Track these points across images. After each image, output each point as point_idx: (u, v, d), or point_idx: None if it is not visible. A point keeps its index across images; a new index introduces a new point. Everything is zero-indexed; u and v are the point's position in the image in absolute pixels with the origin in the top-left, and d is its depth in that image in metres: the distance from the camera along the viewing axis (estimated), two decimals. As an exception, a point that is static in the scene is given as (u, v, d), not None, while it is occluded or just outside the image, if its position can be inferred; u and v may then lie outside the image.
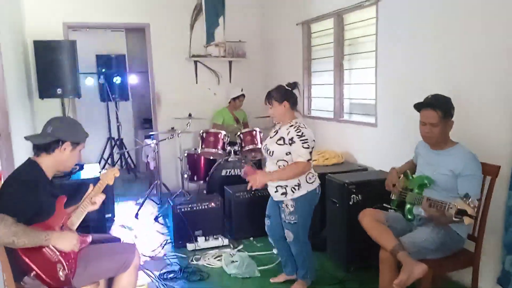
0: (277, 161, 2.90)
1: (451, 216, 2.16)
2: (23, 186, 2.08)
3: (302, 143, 2.80)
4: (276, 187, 2.93)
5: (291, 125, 2.89)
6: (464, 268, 2.67)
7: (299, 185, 2.88)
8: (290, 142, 2.83)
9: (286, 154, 2.86)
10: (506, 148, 2.63)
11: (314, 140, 2.88)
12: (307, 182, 2.91)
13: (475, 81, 2.87)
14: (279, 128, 3.00)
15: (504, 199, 2.63)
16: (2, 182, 2.18)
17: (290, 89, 2.96)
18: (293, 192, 2.88)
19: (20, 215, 1.98)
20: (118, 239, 2.74)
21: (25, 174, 2.16)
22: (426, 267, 2.32)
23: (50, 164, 2.24)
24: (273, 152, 2.89)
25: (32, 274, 2.01)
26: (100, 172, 2.47)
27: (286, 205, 2.93)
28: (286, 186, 2.88)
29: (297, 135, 2.82)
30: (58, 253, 2.11)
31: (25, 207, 2.03)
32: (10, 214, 1.94)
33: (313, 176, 2.96)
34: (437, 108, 2.45)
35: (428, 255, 2.45)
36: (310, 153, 2.83)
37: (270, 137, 3.02)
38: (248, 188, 2.87)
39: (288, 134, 2.86)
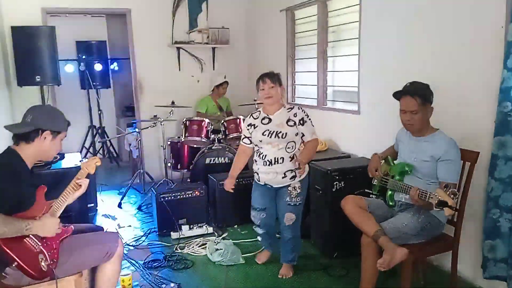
0: (288, 143, 2.94)
1: (432, 205, 2.20)
2: (3, 176, 2.03)
3: (311, 122, 3.01)
4: (284, 173, 2.96)
5: (291, 108, 3.02)
6: (444, 253, 2.73)
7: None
8: (302, 122, 2.96)
9: (296, 134, 2.96)
10: (487, 135, 2.67)
11: None
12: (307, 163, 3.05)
13: (458, 69, 2.90)
14: (271, 114, 3.01)
15: (484, 186, 2.69)
16: None
17: None
18: (300, 174, 2.99)
19: (0, 206, 1.94)
20: (101, 228, 2.71)
21: (5, 164, 2.10)
22: (407, 251, 2.37)
23: (30, 153, 2.18)
24: (286, 134, 2.93)
25: (13, 265, 1.98)
26: (81, 161, 2.43)
27: (294, 187, 3.00)
28: (296, 169, 2.96)
29: (306, 115, 2.99)
30: (40, 244, 2.08)
31: (5, 197, 1.99)
32: None
33: None
34: (416, 95, 2.47)
35: (409, 240, 2.49)
36: None
37: (262, 123, 3.01)
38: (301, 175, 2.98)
39: (295, 116, 2.97)
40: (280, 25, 5.21)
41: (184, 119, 4.86)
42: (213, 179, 4.21)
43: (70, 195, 2.31)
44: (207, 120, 4.81)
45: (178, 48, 5.84)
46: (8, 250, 1.96)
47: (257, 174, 3.08)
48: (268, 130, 2.96)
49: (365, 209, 2.66)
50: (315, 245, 3.60)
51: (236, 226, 4.12)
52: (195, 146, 4.95)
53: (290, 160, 2.95)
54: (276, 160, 2.95)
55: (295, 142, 2.95)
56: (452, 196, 2.13)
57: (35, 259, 2.04)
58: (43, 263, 2.05)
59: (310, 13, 4.70)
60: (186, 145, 5.03)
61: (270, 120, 3.00)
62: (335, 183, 3.30)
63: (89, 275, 2.60)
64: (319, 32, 4.52)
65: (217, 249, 3.49)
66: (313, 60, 4.69)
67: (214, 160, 4.66)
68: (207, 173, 4.44)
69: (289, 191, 3.00)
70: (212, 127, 4.84)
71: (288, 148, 2.94)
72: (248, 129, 3.10)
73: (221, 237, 3.84)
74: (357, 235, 2.61)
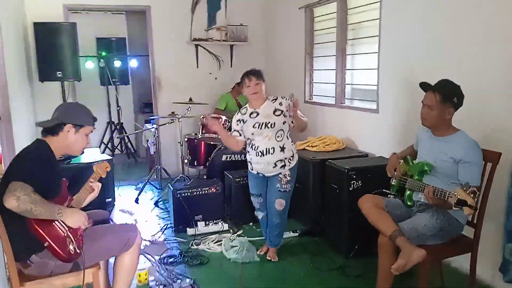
0: (277, 131, 3.16)
1: (451, 205, 2.16)
2: (39, 162, 2.13)
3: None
4: (275, 162, 3.17)
5: (275, 99, 3.22)
6: (462, 254, 2.67)
7: (293, 156, 3.24)
8: (288, 110, 3.09)
9: (283, 123, 3.17)
10: (509, 135, 2.61)
11: None
12: (295, 152, 3.29)
13: (482, 67, 2.84)
14: (258, 109, 3.20)
15: (505, 186, 2.63)
16: (13, 160, 2.22)
17: None
18: (290, 163, 3.21)
19: (35, 187, 2.00)
20: (107, 214, 2.80)
21: (40, 152, 2.20)
22: (425, 252, 2.33)
23: (57, 146, 2.27)
24: (274, 123, 3.14)
25: (45, 244, 2.05)
26: (93, 163, 2.51)
27: (284, 175, 3.20)
28: (285, 158, 3.19)
29: (291, 100, 3.05)
30: (66, 228, 2.14)
31: (41, 180, 2.07)
32: (28, 183, 1.97)
33: (295, 147, 3.36)
34: (437, 91, 2.43)
35: (427, 241, 2.45)
36: None
37: (250, 118, 3.20)
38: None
39: (280, 105, 3.18)
40: (298, 22, 5.18)
41: (202, 116, 4.88)
42: (229, 176, 4.21)
43: (86, 195, 2.39)
44: (224, 117, 4.82)
45: (197, 45, 5.87)
46: (41, 231, 2.03)
47: (250, 163, 3.32)
48: (258, 122, 3.18)
49: (382, 209, 2.63)
50: (330, 244, 3.58)
51: (251, 223, 4.12)
52: (211, 143, 4.97)
53: (280, 151, 3.16)
54: (268, 150, 3.16)
55: (283, 130, 3.18)
56: (472, 195, 2.09)
57: (64, 241, 2.11)
58: (71, 246, 2.12)
59: (329, 11, 4.66)
60: (203, 142, 5.05)
61: (257, 113, 3.20)
62: (352, 182, 3.27)
63: (105, 268, 2.65)
64: (338, 29, 4.48)
65: (232, 246, 3.50)
66: (331, 58, 4.65)
67: (230, 157, 4.67)
68: (223, 170, 4.45)
69: (279, 178, 3.20)
70: (229, 124, 4.84)
71: (278, 137, 3.16)
72: (237, 124, 3.31)
73: (236, 234, 3.85)
74: (374, 234, 2.58)
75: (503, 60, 2.68)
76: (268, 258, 3.38)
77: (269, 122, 3.14)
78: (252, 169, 3.32)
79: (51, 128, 2.26)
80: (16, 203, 1.91)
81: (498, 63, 2.72)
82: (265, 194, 3.33)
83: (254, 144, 3.22)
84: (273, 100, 3.22)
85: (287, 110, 3.08)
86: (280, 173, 3.19)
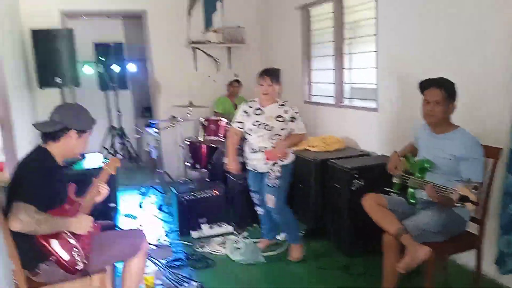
0: (274, 135, 3.21)
1: (453, 201, 2.17)
2: (40, 175, 2.10)
3: (301, 119, 3.26)
4: (266, 160, 3.21)
5: (282, 105, 3.25)
6: (467, 251, 2.69)
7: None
8: (292, 119, 3.21)
9: (282, 129, 3.21)
10: (504, 131, 2.63)
11: None
12: (291, 152, 3.32)
13: (480, 64, 2.86)
14: (264, 107, 3.26)
15: (501, 181, 2.65)
16: (15, 169, 2.19)
17: None
18: (282, 160, 3.23)
19: (39, 203, 2.01)
20: (115, 225, 2.80)
21: (40, 162, 2.17)
22: (430, 250, 2.35)
23: (58, 151, 2.24)
24: (273, 127, 3.19)
25: (51, 258, 2.06)
26: (103, 162, 2.51)
27: (273, 170, 3.23)
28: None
29: (296, 113, 3.24)
30: (74, 239, 2.15)
31: (44, 195, 2.06)
32: (31, 203, 1.97)
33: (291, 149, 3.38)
34: (443, 87, 2.46)
35: (431, 238, 2.47)
36: None
37: (254, 113, 3.28)
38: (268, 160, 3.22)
39: (286, 112, 3.21)
40: (295, 23, 5.20)
41: (202, 119, 4.89)
42: (231, 178, 4.23)
43: (93, 197, 2.39)
44: (225, 120, 4.83)
45: (194, 48, 5.88)
46: (47, 245, 2.04)
47: (246, 159, 3.40)
48: (258, 121, 3.24)
49: (385, 207, 2.65)
50: (334, 244, 3.60)
51: (255, 225, 4.13)
52: (213, 145, 4.98)
53: (272, 148, 3.19)
54: (260, 149, 3.22)
55: (280, 135, 3.22)
56: (474, 191, 2.11)
57: (70, 253, 2.12)
58: (77, 258, 2.13)
59: (326, 11, 4.67)
60: (204, 145, 5.05)
61: (262, 111, 3.25)
62: (354, 181, 3.29)
63: (112, 272, 2.66)
64: (335, 29, 4.50)
65: (237, 248, 3.52)
66: (329, 57, 4.66)
67: (232, 159, 4.67)
68: (225, 172, 4.46)
69: (269, 174, 3.25)
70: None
71: (272, 139, 3.21)
72: (242, 115, 3.36)
73: (241, 236, 3.86)
74: (377, 233, 2.61)
75: (501, 56, 2.70)
76: (288, 258, 3.41)
77: (268, 125, 3.20)
78: (248, 165, 3.40)
79: (53, 133, 2.21)
80: (20, 226, 1.93)
81: (495, 59, 2.74)
82: (262, 190, 3.38)
83: (249, 141, 3.32)
84: (281, 105, 3.25)
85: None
86: (271, 169, 3.24)
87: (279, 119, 3.20)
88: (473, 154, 2.41)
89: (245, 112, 3.35)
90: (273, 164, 3.22)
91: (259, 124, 3.23)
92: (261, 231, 3.69)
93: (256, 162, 3.30)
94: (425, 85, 2.55)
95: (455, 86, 2.50)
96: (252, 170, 3.39)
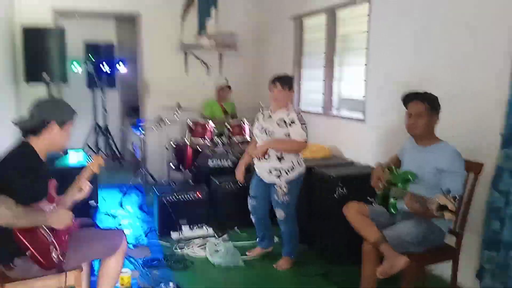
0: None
1: (432, 210, 2.20)
2: (22, 169, 2.06)
3: (302, 124, 3.11)
4: (269, 169, 3.18)
5: (290, 111, 3.15)
6: (444, 262, 2.72)
7: (293, 168, 3.16)
8: (291, 123, 3.09)
9: (285, 135, 3.11)
10: (492, 147, 2.68)
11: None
12: (299, 164, 3.21)
13: (466, 80, 2.92)
14: (273, 113, 3.21)
15: (485, 197, 2.69)
16: None
17: None
18: (288, 174, 3.15)
19: (19, 198, 1.96)
20: (95, 224, 2.75)
21: (22, 156, 2.13)
22: (408, 259, 2.37)
23: (41, 146, 2.20)
24: (273, 132, 3.13)
25: (27, 253, 2.02)
26: (87, 161, 2.47)
27: (280, 186, 3.16)
28: (281, 168, 3.14)
29: (298, 117, 3.12)
30: (51, 235, 2.11)
31: (24, 190, 2.03)
32: (10, 196, 1.93)
33: (301, 158, 3.28)
34: (425, 101, 2.51)
35: (410, 248, 2.49)
36: (306, 136, 3.13)
37: (263, 120, 3.25)
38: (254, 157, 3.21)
39: (288, 116, 3.12)
40: (288, 32, 5.25)
41: (189, 121, 4.88)
42: (215, 181, 4.22)
43: (74, 194, 2.36)
44: (211, 123, 4.83)
45: (186, 52, 5.88)
46: (23, 239, 1.99)
47: (254, 165, 3.33)
48: (262, 126, 3.21)
49: (367, 216, 2.67)
50: (315, 250, 3.60)
51: (236, 228, 4.12)
52: (198, 148, 4.97)
53: (277, 159, 3.14)
54: (264, 156, 3.15)
55: (281, 139, 3.12)
56: (453, 200, 2.14)
57: (47, 249, 2.08)
58: (53, 254, 2.09)
59: (318, 22, 4.74)
60: (189, 147, 5.04)
61: (271, 118, 3.21)
62: (337, 189, 3.30)
63: (88, 270, 2.62)
64: (326, 40, 4.55)
65: (216, 251, 3.49)
66: (320, 67, 4.71)
67: (217, 162, 4.67)
68: (209, 175, 4.45)
69: (276, 190, 3.18)
70: (216, 130, 4.86)
71: None
72: (255, 122, 3.36)
73: (221, 239, 3.84)
74: (358, 241, 2.62)
75: (490, 75, 2.75)
76: (274, 266, 3.35)
77: (267, 129, 3.16)
78: (255, 170, 3.36)
79: (33, 128, 2.16)
80: None
81: (484, 77, 2.79)
82: (260, 198, 3.36)
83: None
84: (288, 112, 3.16)
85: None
86: (276, 184, 3.18)
87: (281, 123, 3.13)
88: (454, 167, 2.45)
89: (257, 119, 3.33)
90: (277, 176, 3.15)
91: (262, 129, 3.21)
92: (257, 240, 3.62)
93: (260, 170, 3.26)
94: (408, 98, 2.60)
95: (437, 100, 2.55)
96: (258, 176, 3.34)
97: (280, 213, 3.23)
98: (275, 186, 3.19)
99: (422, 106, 2.50)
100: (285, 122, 3.11)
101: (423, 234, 2.48)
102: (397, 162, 2.87)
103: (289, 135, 3.10)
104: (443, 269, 3.02)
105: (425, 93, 2.57)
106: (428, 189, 2.51)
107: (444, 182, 2.45)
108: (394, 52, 3.57)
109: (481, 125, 2.82)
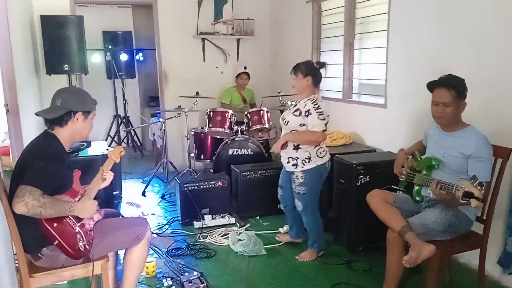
0: (291, 131, 3.11)
1: (458, 198, 2.15)
2: (47, 159, 2.09)
3: (318, 114, 2.99)
4: (288, 158, 3.16)
5: (309, 99, 3.06)
6: (471, 250, 2.66)
7: (309, 158, 3.09)
8: (307, 113, 3.01)
9: (300, 125, 3.05)
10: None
11: (328, 115, 3.07)
12: (318, 156, 3.10)
13: (491, 62, 2.81)
14: (298, 102, 3.16)
15: (510, 182, 2.61)
16: (22, 154, 2.19)
17: (318, 67, 3.15)
18: (304, 164, 3.10)
19: (45, 188, 2.00)
20: (119, 214, 2.79)
21: (47, 147, 2.17)
22: (434, 248, 2.32)
23: (66, 136, 2.24)
24: (288, 121, 3.09)
25: (54, 243, 2.06)
26: (107, 149, 2.50)
27: (297, 176, 3.14)
28: (297, 158, 3.10)
29: (314, 107, 3.00)
30: (78, 225, 2.16)
31: (51, 180, 2.06)
32: (37, 186, 1.96)
33: (324, 151, 3.15)
34: (451, 88, 2.41)
35: (436, 236, 2.44)
36: (325, 125, 3.04)
37: (288, 110, 3.21)
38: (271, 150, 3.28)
39: (305, 106, 3.03)
40: (306, 16, 5.15)
41: (208, 110, 4.88)
42: (236, 170, 4.22)
43: (99, 183, 2.39)
44: (230, 111, 4.81)
45: (203, 39, 5.85)
46: (50, 229, 2.04)
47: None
48: (284, 117, 3.16)
49: (391, 204, 2.62)
50: (338, 239, 3.58)
51: (258, 217, 4.13)
52: (218, 137, 4.97)
53: (293, 148, 3.10)
54: (284, 144, 3.12)
55: (298, 132, 3.07)
56: (479, 187, 2.08)
57: (74, 239, 2.12)
58: (80, 243, 2.14)
59: (337, 5, 4.63)
60: (209, 136, 5.05)
61: (295, 107, 3.15)
62: (359, 177, 3.26)
63: (114, 259, 2.66)
64: (346, 24, 4.45)
65: (239, 240, 3.51)
66: (339, 52, 4.62)
67: (237, 151, 4.67)
68: (229, 164, 4.46)
69: (293, 179, 3.17)
70: (235, 118, 4.85)
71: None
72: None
73: (243, 228, 3.85)
74: (382, 229, 2.58)
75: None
76: (296, 257, 3.32)
77: (284, 119, 3.14)
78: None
79: (58, 118, 2.19)
80: (25, 209, 1.92)
81: (510, 59, 2.68)
82: (285, 188, 3.33)
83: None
84: (308, 99, 3.05)
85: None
86: (294, 173, 3.16)
87: (296, 113, 3.07)
88: (482, 153, 2.38)
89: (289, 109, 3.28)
90: (294, 165, 3.12)
91: (283, 120, 3.17)
92: (289, 229, 3.59)
93: (282, 159, 3.24)
94: (433, 86, 2.51)
95: (464, 83, 2.45)
96: (283, 165, 3.32)
97: (297, 203, 3.22)
98: (293, 175, 3.18)
99: (449, 94, 2.41)
100: (300, 112, 3.05)
101: (450, 222, 2.44)
102: (422, 148, 2.80)
103: (305, 125, 3.04)
104: (470, 257, 2.96)
105: (451, 78, 2.47)
106: (453, 174, 2.46)
107: (470, 168, 2.39)
108: (415, 34, 3.46)
109: (509, 108, 2.71)
